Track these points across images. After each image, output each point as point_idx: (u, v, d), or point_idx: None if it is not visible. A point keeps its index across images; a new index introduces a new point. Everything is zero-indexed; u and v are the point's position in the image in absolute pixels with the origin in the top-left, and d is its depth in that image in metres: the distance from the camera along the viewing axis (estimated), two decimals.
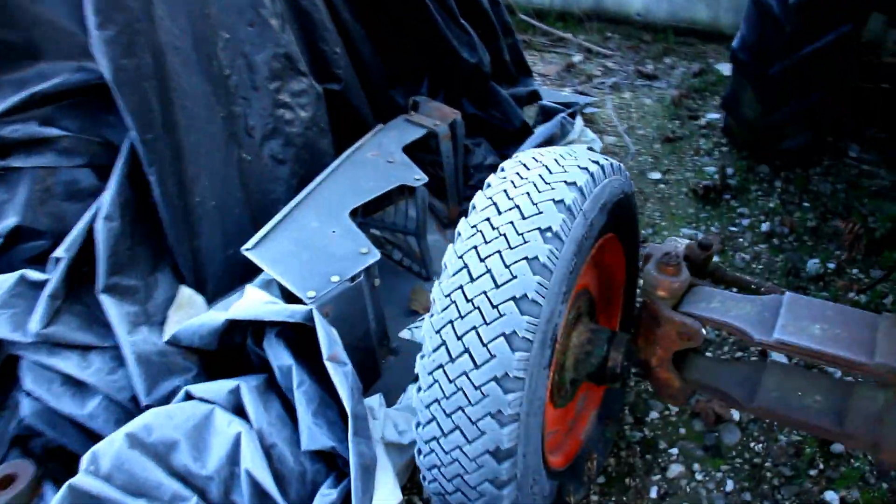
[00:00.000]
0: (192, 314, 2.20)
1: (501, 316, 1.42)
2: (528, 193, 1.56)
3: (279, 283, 2.07)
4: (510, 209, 1.53)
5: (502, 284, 1.43)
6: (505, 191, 1.58)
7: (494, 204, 1.56)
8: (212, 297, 2.33)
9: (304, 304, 1.98)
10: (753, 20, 2.81)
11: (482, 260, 1.47)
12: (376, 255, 2.15)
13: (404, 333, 2.58)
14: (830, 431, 1.57)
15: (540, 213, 1.50)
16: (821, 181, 3.41)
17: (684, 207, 3.32)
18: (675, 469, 2.13)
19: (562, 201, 1.53)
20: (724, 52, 4.96)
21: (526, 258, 1.44)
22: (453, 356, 1.45)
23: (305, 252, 2.13)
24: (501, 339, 1.41)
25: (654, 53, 5.05)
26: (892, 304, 2.68)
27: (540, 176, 1.61)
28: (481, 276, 1.46)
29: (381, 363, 2.37)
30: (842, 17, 2.64)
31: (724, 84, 4.40)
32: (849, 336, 1.47)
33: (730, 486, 2.09)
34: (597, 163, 1.71)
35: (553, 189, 1.56)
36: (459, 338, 1.44)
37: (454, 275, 1.49)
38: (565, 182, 1.58)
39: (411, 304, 2.70)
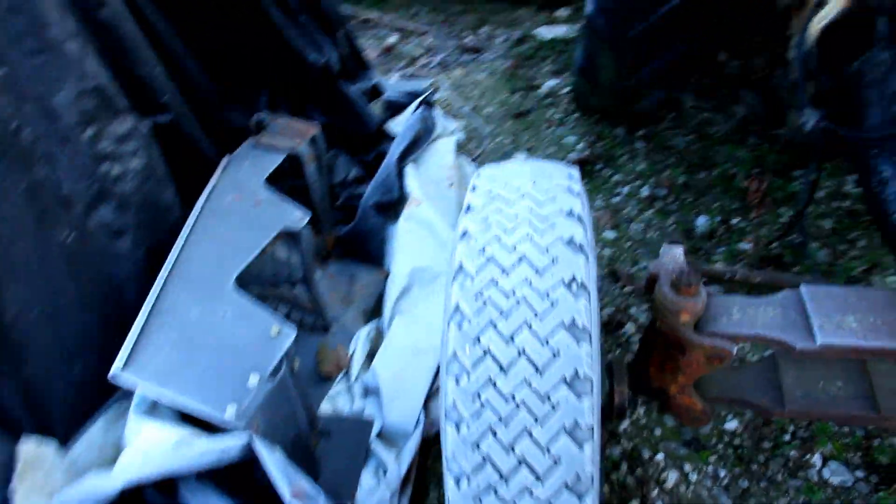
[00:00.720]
0: (49, 475, 1.57)
1: (556, 408, 1.08)
2: (529, 237, 1.22)
3: (174, 404, 1.52)
4: (517, 263, 1.18)
5: (545, 368, 1.09)
6: (497, 238, 1.23)
7: (492, 259, 1.20)
8: (65, 439, 1.69)
9: (222, 426, 1.47)
10: None
11: (509, 342, 1.12)
12: (291, 332, 1.68)
13: (325, 407, 2.12)
14: (869, 418, 1.47)
15: (555, 261, 1.18)
16: (673, 136, 3.47)
17: None
18: (671, 478, 1.98)
19: (571, 240, 1.22)
20: (534, 16, 4.94)
21: (562, 325, 1.12)
22: (505, 474, 1.09)
23: (200, 353, 1.59)
24: (563, 437, 1.07)
25: (469, 24, 4.87)
26: (780, 248, 2.77)
27: (531, 210, 1.28)
28: (513, 362, 1.10)
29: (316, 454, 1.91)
30: None
31: (551, 50, 4.37)
32: (883, 322, 1.36)
33: (724, 477, 1.99)
34: (572, 176, 1.43)
35: (555, 225, 1.24)
36: (509, 449, 1.08)
37: (475, 366, 1.12)
38: (562, 212, 1.27)
39: (321, 367, 2.24)
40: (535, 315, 1.13)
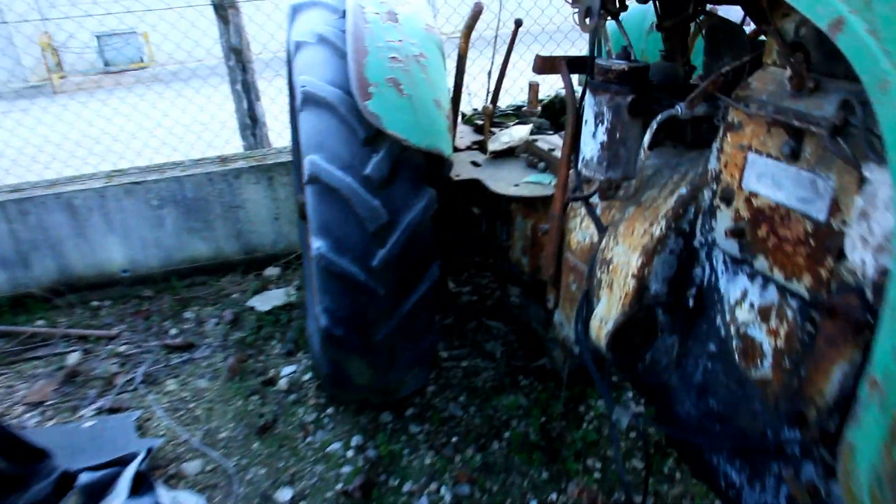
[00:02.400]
0: None
1: None
2: None
3: None
4: None
5: None
6: None
7: None
8: None
9: None
10: (338, 292, 2.28)
11: None
12: None
13: None
14: None
15: None
16: (445, 403, 3.10)
17: None
18: None
19: None
20: (241, 282, 4.41)
21: None
22: None
23: None
24: None
25: (169, 311, 4.12)
26: None
27: None
28: None
29: None
30: (429, 259, 2.33)
31: (274, 325, 3.83)
32: None
33: None
34: None
35: None
36: None
37: None
38: None
39: None
40: None
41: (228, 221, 4.34)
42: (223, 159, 4.34)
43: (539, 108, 3.10)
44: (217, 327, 3.90)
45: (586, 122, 1.68)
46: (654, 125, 1.55)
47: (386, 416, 3.02)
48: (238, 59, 5.26)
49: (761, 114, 1.38)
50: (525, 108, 3.18)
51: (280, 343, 3.66)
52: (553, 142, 2.66)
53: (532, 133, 2.82)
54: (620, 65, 1.56)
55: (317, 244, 2.21)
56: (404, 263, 2.28)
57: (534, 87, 3.10)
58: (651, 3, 2.16)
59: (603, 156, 1.64)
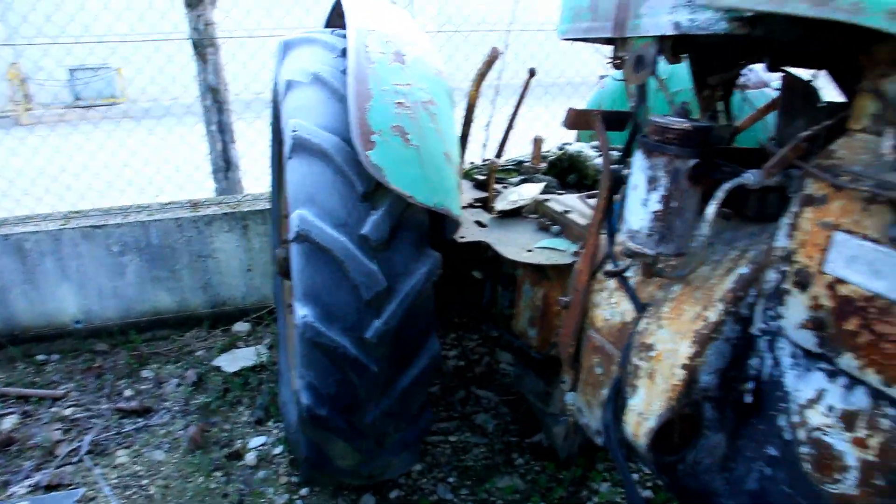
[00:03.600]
0: None
1: None
2: None
3: None
4: None
5: None
6: None
7: None
8: None
9: None
10: (325, 367, 1.98)
11: None
12: None
13: None
14: None
15: None
16: (433, 483, 2.77)
17: None
18: None
19: None
20: (207, 338, 4.05)
21: None
22: None
23: None
24: None
25: (126, 369, 3.73)
26: None
27: None
28: None
29: None
30: (429, 330, 2.06)
31: (242, 389, 3.47)
32: None
33: None
34: None
35: None
36: None
37: None
38: None
39: None
40: None
41: (196, 272, 4.01)
42: (194, 204, 4.03)
43: (544, 165, 2.90)
44: (178, 389, 3.52)
45: (635, 187, 1.45)
46: (719, 195, 1.33)
47: (367, 498, 2.68)
48: (215, 98, 5.02)
49: (857, 188, 1.17)
50: (527, 164, 2.97)
51: (248, 410, 3.30)
52: (567, 203, 2.44)
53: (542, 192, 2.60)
54: (681, 123, 1.35)
55: (302, 311, 1.92)
56: (402, 336, 2.00)
57: (537, 142, 2.90)
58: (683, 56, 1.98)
59: (655, 227, 1.41)
